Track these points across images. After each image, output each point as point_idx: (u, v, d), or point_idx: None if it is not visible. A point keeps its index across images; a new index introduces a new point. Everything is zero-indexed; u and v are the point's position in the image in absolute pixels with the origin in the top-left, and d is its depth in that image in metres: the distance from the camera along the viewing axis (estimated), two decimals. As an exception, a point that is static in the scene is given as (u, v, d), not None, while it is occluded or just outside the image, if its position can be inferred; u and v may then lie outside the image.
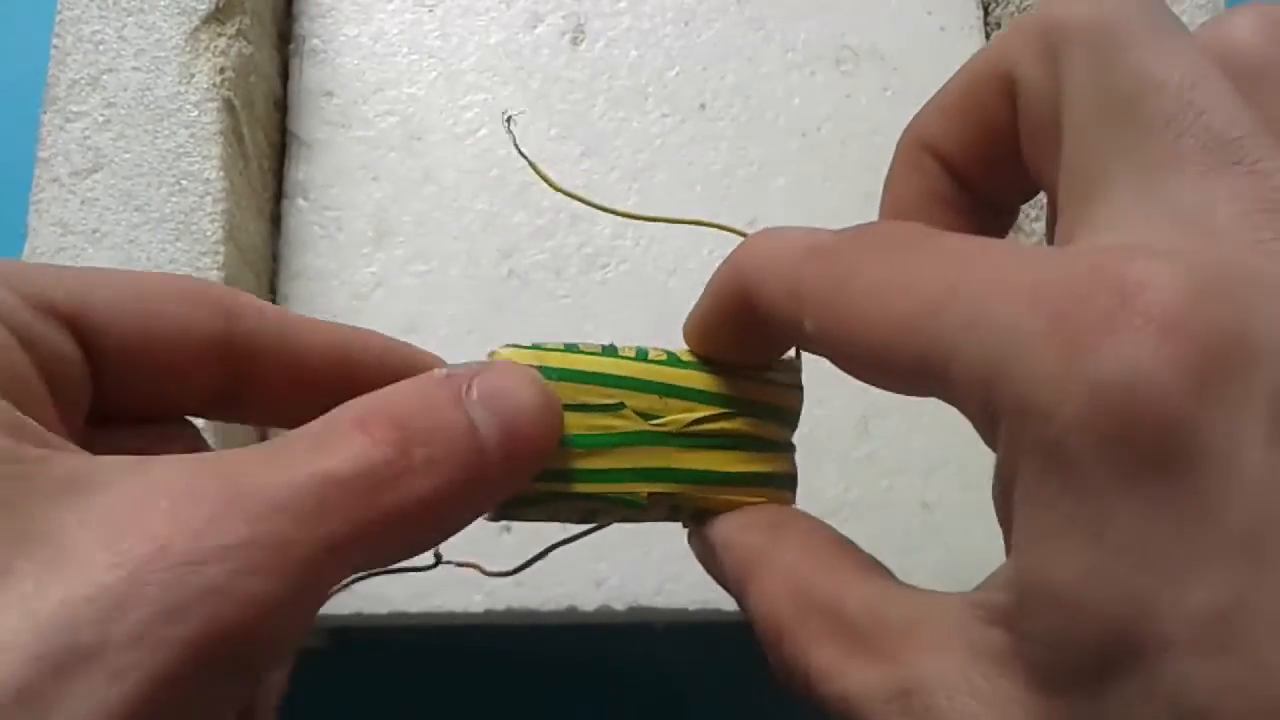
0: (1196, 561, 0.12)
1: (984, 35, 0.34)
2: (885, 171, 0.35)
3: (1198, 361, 0.12)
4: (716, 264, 0.33)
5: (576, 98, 0.33)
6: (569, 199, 0.25)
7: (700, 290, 0.32)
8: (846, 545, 0.18)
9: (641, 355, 0.21)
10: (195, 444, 0.18)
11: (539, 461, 0.18)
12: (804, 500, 0.28)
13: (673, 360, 0.21)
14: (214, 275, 0.26)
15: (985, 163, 0.18)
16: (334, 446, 0.15)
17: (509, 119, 0.31)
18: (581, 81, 0.33)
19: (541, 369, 0.20)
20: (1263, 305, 0.12)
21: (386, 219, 0.31)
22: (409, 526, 0.15)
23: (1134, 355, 0.12)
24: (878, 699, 0.15)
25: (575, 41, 0.33)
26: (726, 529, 0.20)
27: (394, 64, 0.33)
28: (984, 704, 0.14)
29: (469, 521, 0.17)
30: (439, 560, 0.20)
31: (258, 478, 0.14)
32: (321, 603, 0.15)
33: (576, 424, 0.20)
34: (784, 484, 0.21)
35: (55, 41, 0.28)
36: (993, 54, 0.17)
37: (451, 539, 0.28)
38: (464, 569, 0.22)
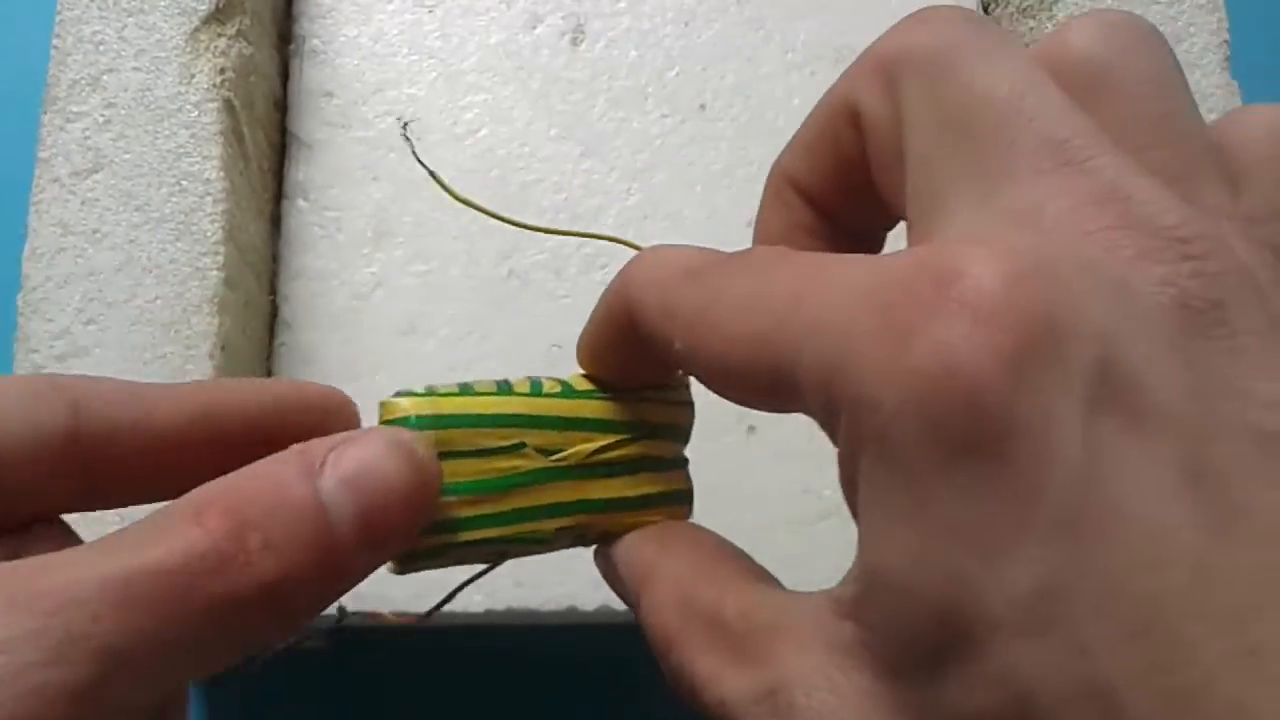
0: (1015, 541, 0.12)
1: (983, 35, 0.34)
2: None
3: (1011, 343, 0.12)
4: (716, 264, 0.33)
5: (576, 98, 0.33)
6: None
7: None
8: (731, 554, 0.18)
9: (536, 388, 0.21)
10: (65, 542, 0.18)
11: (405, 539, 0.17)
12: (804, 501, 0.29)
13: (568, 391, 0.21)
14: (214, 275, 0.26)
15: (843, 193, 0.18)
16: (163, 537, 0.14)
17: (405, 125, 0.31)
18: (581, 82, 0.33)
19: (438, 418, 0.19)
20: (1082, 289, 0.13)
21: (386, 219, 0.31)
22: (246, 615, 0.15)
23: (949, 340, 0.12)
24: (748, 702, 0.15)
25: (575, 42, 0.33)
26: (622, 547, 0.20)
27: (394, 64, 0.33)
28: (839, 698, 0.14)
29: (329, 602, 0.16)
30: (343, 615, 0.20)
31: (63, 574, 0.14)
32: (153, 693, 0.15)
33: (478, 469, 0.20)
34: (681, 499, 0.22)
35: (55, 42, 0.28)
36: (840, 89, 0.17)
37: None
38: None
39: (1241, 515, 0.12)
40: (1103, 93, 0.15)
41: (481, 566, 0.21)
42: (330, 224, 0.31)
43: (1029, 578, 0.12)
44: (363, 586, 0.29)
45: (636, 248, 0.21)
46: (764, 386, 0.16)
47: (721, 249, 0.32)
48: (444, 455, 0.19)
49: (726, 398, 0.17)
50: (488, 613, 0.28)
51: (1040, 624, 0.12)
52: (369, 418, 0.31)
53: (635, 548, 0.20)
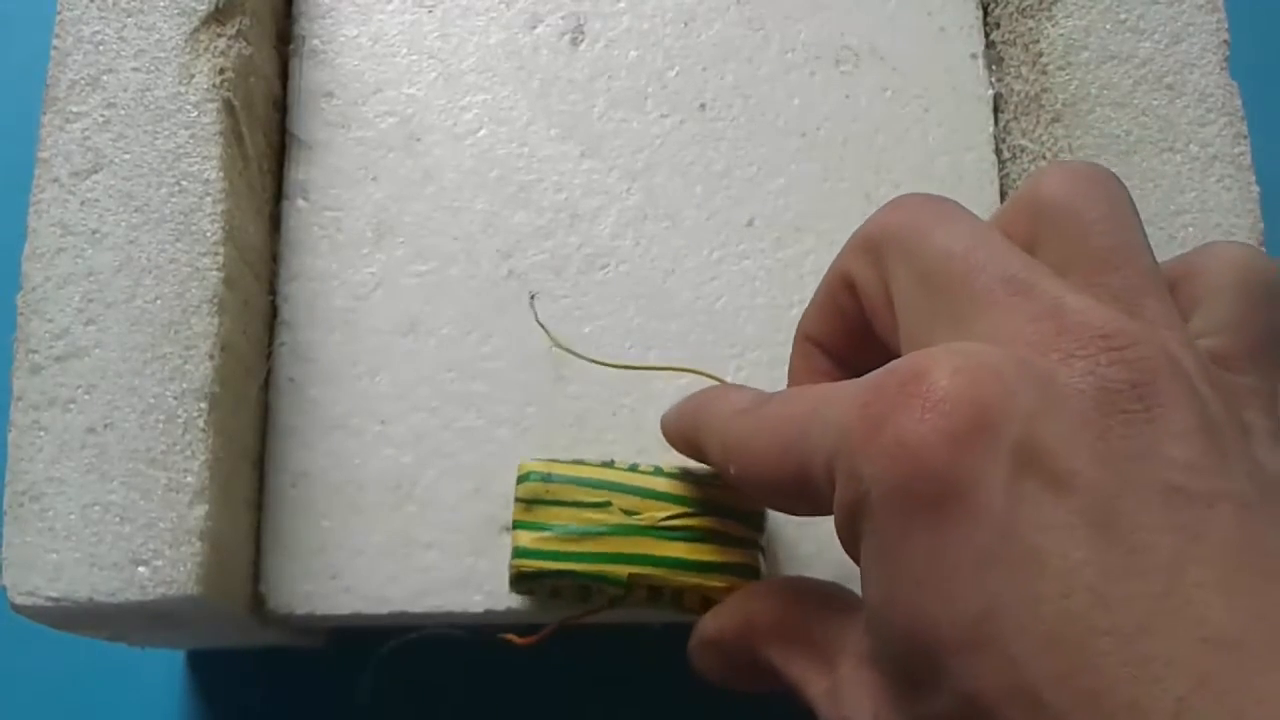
0: (955, 577, 0.16)
1: (984, 35, 0.34)
2: (885, 172, 0.35)
3: (952, 425, 0.16)
4: (715, 266, 0.34)
5: (576, 98, 0.33)
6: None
7: (697, 293, 0.32)
8: (814, 588, 0.23)
9: (633, 467, 0.27)
10: None
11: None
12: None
13: (657, 471, 0.27)
14: (213, 276, 0.26)
15: (849, 343, 0.23)
16: None
17: (533, 297, 0.32)
18: (581, 82, 0.33)
19: (549, 475, 0.27)
20: (1015, 382, 0.16)
21: (386, 219, 0.31)
22: None
23: (908, 424, 0.16)
24: (823, 698, 0.20)
25: (575, 42, 0.33)
26: (714, 621, 0.24)
27: (394, 65, 0.33)
28: (863, 693, 0.19)
29: None
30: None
31: None
32: None
33: (572, 516, 0.26)
34: (746, 574, 0.26)
35: (55, 42, 0.28)
36: (838, 265, 0.22)
37: (453, 537, 0.30)
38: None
39: (1140, 553, 0.15)
40: (1064, 229, 0.19)
41: (576, 612, 0.27)
42: (330, 224, 0.31)
43: (967, 606, 0.15)
44: (360, 587, 0.30)
45: (716, 379, 0.28)
46: (796, 488, 0.20)
47: (721, 249, 0.33)
48: (549, 503, 0.26)
49: (777, 508, 0.22)
50: (487, 613, 0.28)
51: (978, 642, 0.15)
52: (369, 417, 0.32)
53: (728, 613, 0.24)
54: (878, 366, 0.22)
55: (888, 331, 0.21)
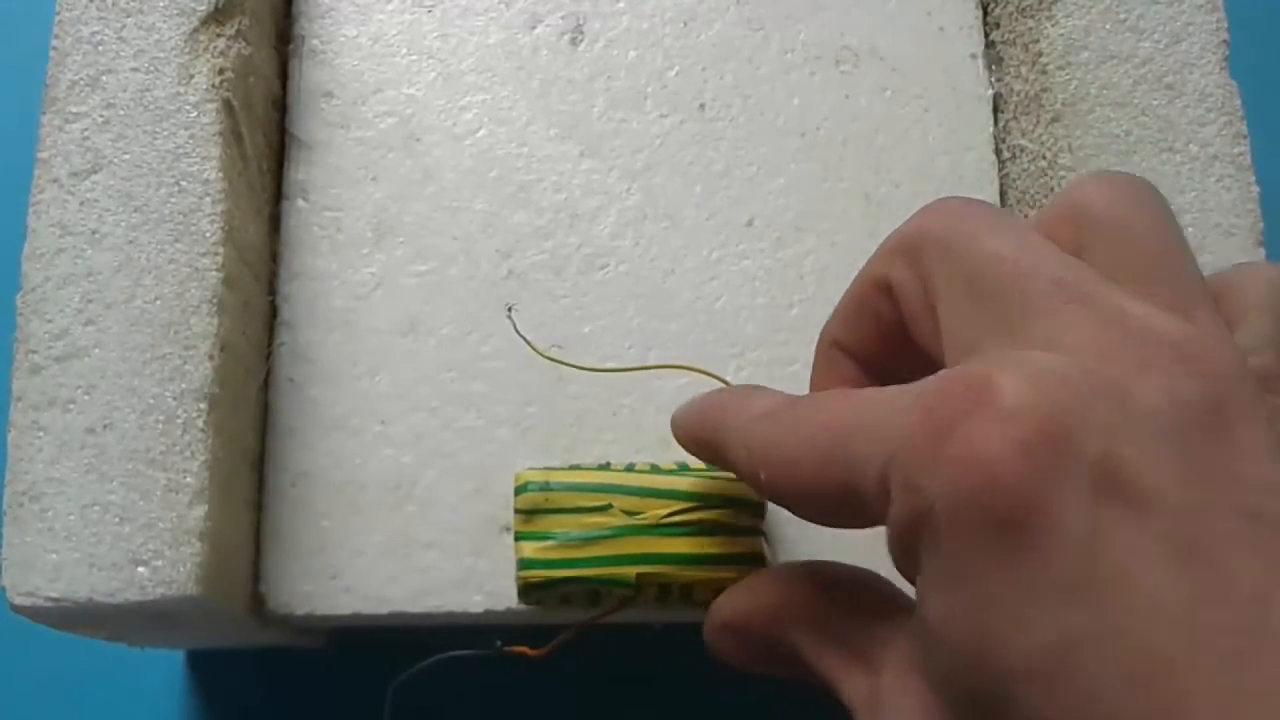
0: (1031, 605, 0.15)
1: (983, 35, 0.34)
2: (885, 172, 0.35)
3: (1032, 440, 0.15)
4: (715, 266, 0.34)
5: (576, 98, 0.33)
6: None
7: (697, 293, 0.32)
8: (845, 576, 0.22)
9: (629, 467, 0.27)
10: None
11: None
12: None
13: (654, 469, 0.27)
14: (213, 276, 0.26)
15: (884, 350, 0.22)
16: None
17: (510, 309, 0.32)
18: (581, 82, 0.33)
19: (547, 483, 0.27)
20: (1091, 396, 0.15)
21: (386, 219, 0.31)
22: None
23: (981, 437, 0.15)
24: (862, 700, 0.19)
25: (574, 42, 0.33)
26: (729, 605, 0.23)
27: (393, 65, 0.33)
28: (912, 703, 0.18)
29: None
30: (499, 648, 0.26)
31: None
32: None
33: (574, 523, 0.26)
34: (751, 561, 0.26)
35: (54, 42, 0.28)
36: (871, 268, 0.21)
37: (453, 537, 0.30)
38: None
39: (1226, 581, 0.14)
40: (1112, 239, 0.18)
41: (590, 615, 0.27)
42: (330, 224, 0.31)
43: (1044, 634, 0.15)
44: (360, 587, 0.30)
45: (721, 379, 0.28)
46: (836, 499, 0.19)
47: (720, 249, 0.33)
48: (549, 511, 0.26)
49: (809, 519, 0.21)
50: (487, 612, 0.28)
51: (1054, 672, 0.14)
52: (369, 417, 0.32)
53: (747, 596, 0.23)
54: (909, 373, 0.20)
55: (927, 337, 0.20)
